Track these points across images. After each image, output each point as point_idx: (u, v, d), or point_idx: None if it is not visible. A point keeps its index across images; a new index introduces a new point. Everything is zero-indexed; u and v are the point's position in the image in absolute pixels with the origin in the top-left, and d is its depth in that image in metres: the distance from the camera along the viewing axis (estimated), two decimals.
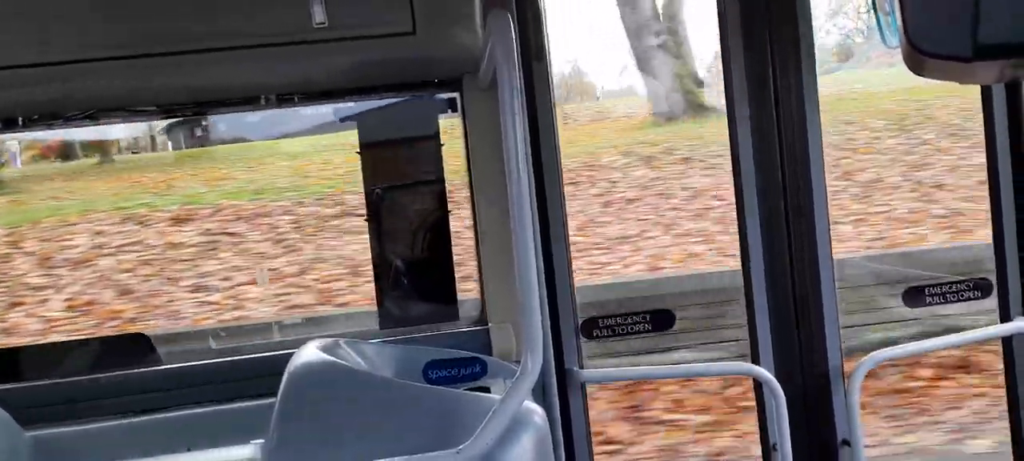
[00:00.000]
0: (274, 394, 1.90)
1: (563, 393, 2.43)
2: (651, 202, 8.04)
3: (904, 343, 2.76)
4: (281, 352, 2.23)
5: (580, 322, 2.54)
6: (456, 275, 2.61)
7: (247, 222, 7.68)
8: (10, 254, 7.40)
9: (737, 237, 2.59)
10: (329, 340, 2.10)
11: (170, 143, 9.22)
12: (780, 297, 2.57)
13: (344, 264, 6.88)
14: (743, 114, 2.51)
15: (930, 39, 0.80)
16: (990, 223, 2.69)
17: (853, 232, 7.10)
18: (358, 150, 2.58)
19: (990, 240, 2.68)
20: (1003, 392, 2.74)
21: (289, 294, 6.57)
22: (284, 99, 2.33)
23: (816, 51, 2.49)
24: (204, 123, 8.11)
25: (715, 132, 9.32)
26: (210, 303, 6.50)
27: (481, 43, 1.98)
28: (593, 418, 2.65)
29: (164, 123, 8.19)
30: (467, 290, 2.63)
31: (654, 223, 7.69)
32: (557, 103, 2.53)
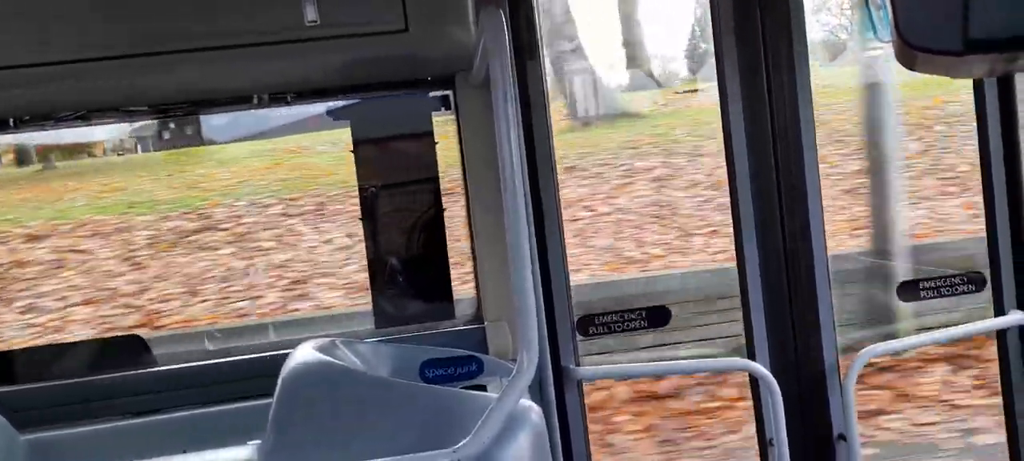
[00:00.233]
0: (270, 395, 1.90)
1: (560, 390, 2.44)
2: None
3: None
4: (277, 352, 2.23)
5: (576, 319, 2.55)
6: (452, 273, 2.62)
7: (103, 238, 7.59)
8: None
9: (731, 234, 2.60)
10: (325, 340, 2.09)
11: (139, 146, 9.18)
12: (775, 292, 2.58)
13: (185, 283, 6.83)
14: (736, 108, 2.51)
15: (921, 34, 0.80)
16: (983, 217, 2.70)
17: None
18: (351, 148, 2.58)
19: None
20: None
21: (115, 316, 6.46)
22: (277, 98, 2.33)
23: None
24: (171, 125, 8.08)
25: (622, 137, 9.13)
26: (35, 325, 6.41)
27: (474, 40, 1.98)
28: None
29: (137, 125, 8.14)
30: (463, 288, 2.63)
31: None
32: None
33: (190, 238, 7.52)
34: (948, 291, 2.67)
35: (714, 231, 7.22)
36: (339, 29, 1.92)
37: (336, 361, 1.97)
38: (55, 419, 2.23)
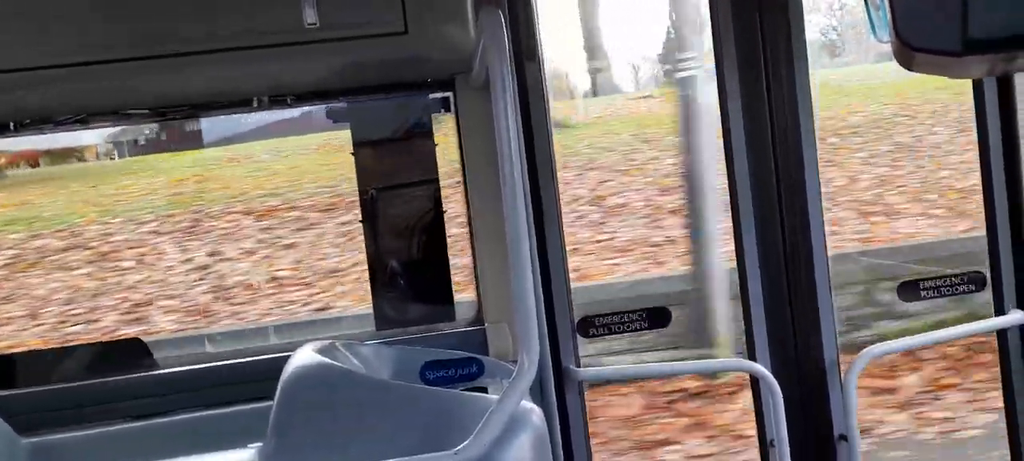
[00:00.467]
0: (271, 397, 1.89)
1: (561, 392, 2.43)
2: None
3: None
4: (277, 355, 2.23)
5: (576, 321, 2.55)
6: (452, 275, 2.62)
7: None
8: None
9: (731, 233, 2.60)
10: (325, 342, 2.09)
11: (115, 152, 9.14)
12: (775, 292, 2.58)
13: (28, 306, 6.72)
14: (735, 107, 2.52)
15: (920, 34, 0.80)
16: (983, 217, 2.70)
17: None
18: (351, 150, 2.58)
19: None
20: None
21: None
22: (276, 100, 2.33)
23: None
24: (146, 132, 8.06)
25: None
26: None
27: (473, 42, 1.98)
28: None
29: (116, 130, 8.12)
30: (464, 290, 2.63)
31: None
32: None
33: (54, 257, 7.40)
34: (948, 291, 2.67)
35: (576, 249, 7.07)
36: (338, 31, 1.92)
37: (336, 363, 1.97)
38: (56, 423, 2.23)
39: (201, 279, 7.05)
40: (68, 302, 6.80)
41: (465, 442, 1.67)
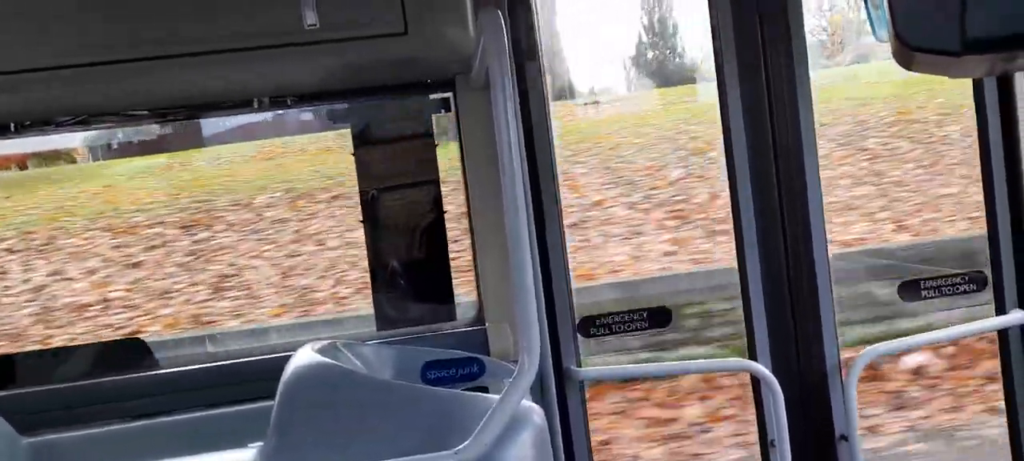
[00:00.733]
0: (272, 397, 1.89)
1: (561, 392, 2.43)
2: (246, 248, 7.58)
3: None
4: (278, 355, 2.23)
5: (577, 320, 2.55)
6: (453, 275, 2.62)
7: None
8: None
9: (732, 233, 2.60)
10: (326, 342, 2.09)
11: (90, 155, 9.07)
12: (776, 292, 2.58)
13: None
14: (736, 110, 2.52)
15: (918, 33, 0.80)
16: (984, 217, 2.70)
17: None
18: (352, 151, 2.58)
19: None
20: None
21: None
22: (277, 101, 2.33)
23: None
24: (119, 135, 8.00)
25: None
26: None
27: (473, 42, 1.98)
28: None
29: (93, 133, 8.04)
30: (465, 289, 2.63)
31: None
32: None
33: None
34: (949, 291, 2.67)
35: None
36: (338, 32, 1.92)
37: (337, 363, 1.97)
38: (57, 422, 2.23)
39: (31, 300, 6.85)
40: None
41: (466, 442, 1.67)
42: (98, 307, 6.81)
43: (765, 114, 2.53)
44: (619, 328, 2.57)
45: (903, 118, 8.87)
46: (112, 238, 7.81)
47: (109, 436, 2.19)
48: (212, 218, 7.94)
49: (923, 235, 6.99)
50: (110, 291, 7.03)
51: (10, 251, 7.75)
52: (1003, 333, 2.71)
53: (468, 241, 2.46)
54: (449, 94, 2.42)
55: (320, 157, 8.72)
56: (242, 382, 2.31)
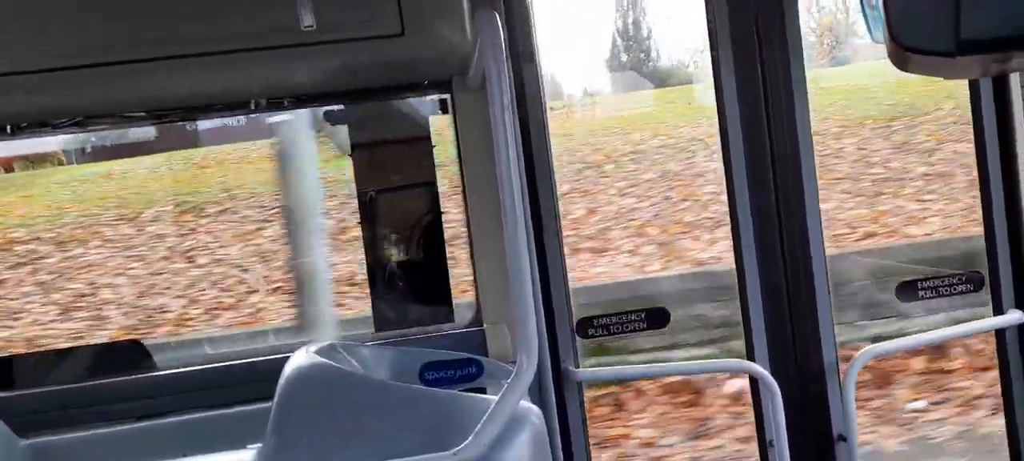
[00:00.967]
0: (270, 398, 1.90)
1: (560, 392, 2.44)
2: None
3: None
4: (277, 356, 2.23)
5: (575, 321, 2.55)
6: (451, 276, 2.62)
7: None
8: None
9: (730, 234, 2.60)
10: (324, 344, 2.09)
11: (64, 158, 8.96)
12: (774, 293, 2.58)
13: None
14: (733, 111, 2.52)
15: (913, 35, 0.80)
16: (981, 217, 2.70)
17: None
18: (349, 153, 2.58)
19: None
20: None
21: None
22: (274, 102, 2.33)
23: None
24: (93, 139, 7.92)
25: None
26: None
27: (470, 43, 1.98)
28: None
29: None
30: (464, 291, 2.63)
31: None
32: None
33: None
34: (946, 291, 2.67)
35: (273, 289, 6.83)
36: (335, 34, 1.92)
37: (336, 365, 1.98)
38: (55, 424, 2.23)
39: None
40: None
41: (464, 443, 1.67)
42: None
43: (762, 116, 2.53)
44: (617, 329, 2.57)
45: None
46: None
47: (107, 438, 2.19)
48: (90, 234, 7.72)
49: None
50: None
51: None
52: (1000, 333, 2.72)
53: (466, 242, 2.46)
54: (446, 95, 2.42)
55: (237, 167, 8.57)
56: (240, 383, 2.31)
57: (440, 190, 2.62)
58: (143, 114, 2.35)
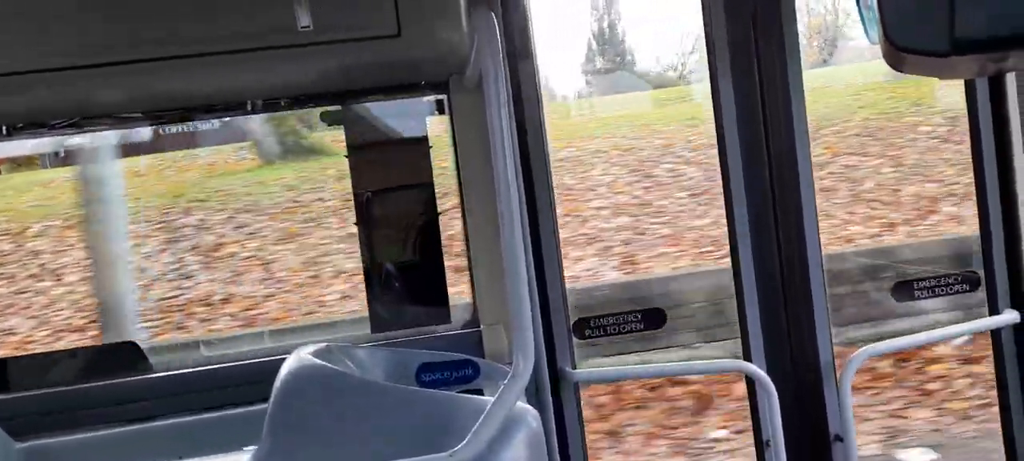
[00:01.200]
0: (266, 401, 1.89)
1: (556, 393, 2.43)
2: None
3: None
4: (272, 358, 2.23)
5: (572, 322, 2.55)
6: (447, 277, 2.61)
7: None
8: None
9: (726, 235, 2.60)
10: (320, 345, 2.09)
11: (39, 161, 8.86)
12: (770, 293, 2.58)
13: None
14: (730, 111, 2.52)
15: (908, 35, 0.80)
16: (977, 217, 2.71)
17: None
18: (346, 153, 2.58)
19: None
20: None
21: None
22: (271, 103, 2.33)
23: None
24: (66, 143, 7.84)
25: (288, 178, 8.31)
26: None
27: (467, 44, 1.98)
28: None
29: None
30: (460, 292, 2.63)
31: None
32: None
33: None
34: (943, 291, 2.67)
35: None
36: (332, 34, 1.92)
37: (331, 366, 1.97)
38: (51, 427, 2.22)
39: None
40: None
41: (461, 444, 1.67)
42: None
43: (758, 115, 2.54)
44: (614, 329, 2.57)
45: None
46: None
47: (103, 441, 2.19)
48: None
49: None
50: None
51: None
52: (996, 333, 2.72)
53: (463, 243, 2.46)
54: (443, 95, 2.42)
55: (146, 178, 8.46)
56: (236, 386, 2.30)
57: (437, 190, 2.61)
58: (141, 114, 2.35)
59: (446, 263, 2.58)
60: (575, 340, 2.56)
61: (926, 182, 7.51)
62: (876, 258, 6.24)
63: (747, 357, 2.57)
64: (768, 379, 2.42)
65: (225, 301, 6.67)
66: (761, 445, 2.55)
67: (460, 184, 2.40)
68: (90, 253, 6.30)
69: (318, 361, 1.95)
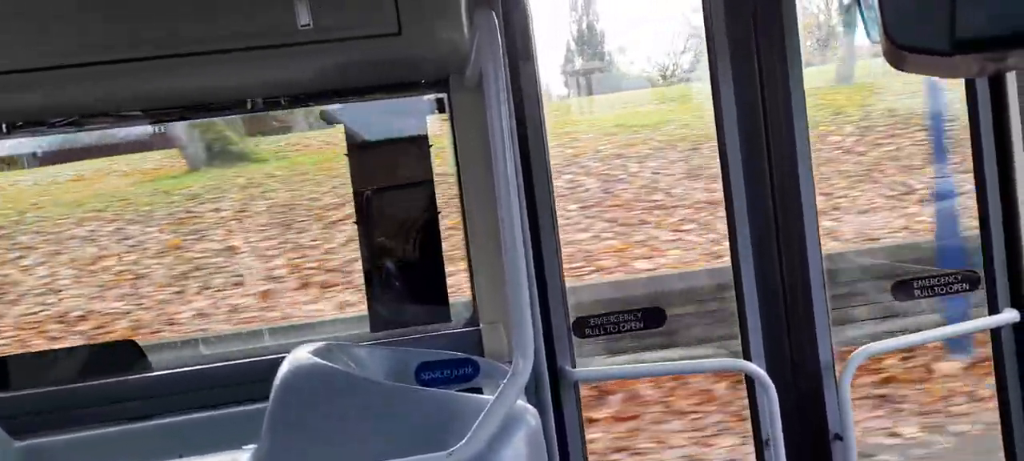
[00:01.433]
0: (265, 399, 1.89)
1: (556, 392, 2.44)
2: None
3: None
4: (272, 357, 2.23)
5: (572, 321, 2.55)
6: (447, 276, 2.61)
7: None
8: None
9: (726, 234, 2.60)
10: (320, 344, 2.09)
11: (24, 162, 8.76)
12: (770, 292, 2.58)
13: None
14: (730, 109, 2.52)
15: (909, 33, 0.80)
16: (977, 217, 2.71)
17: None
18: (346, 152, 2.58)
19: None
20: None
21: None
22: (271, 102, 2.33)
23: None
24: (44, 144, 7.74)
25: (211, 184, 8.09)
26: None
27: (467, 43, 1.98)
28: None
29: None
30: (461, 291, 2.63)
31: None
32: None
33: None
34: (942, 290, 2.68)
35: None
36: (332, 33, 1.92)
37: (331, 365, 1.97)
38: (49, 425, 2.22)
39: None
40: None
41: (460, 442, 1.67)
42: None
43: (759, 114, 2.54)
44: (613, 328, 2.57)
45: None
46: None
47: (102, 439, 2.19)
48: None
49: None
50: None
51: None
52: (996, 332, 2.72)
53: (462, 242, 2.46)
54: (443, 94, 2.42)
55: (65, 186, 8.31)
56: (236, 384, 2.30)
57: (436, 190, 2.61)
58: (141, 113, 2.35)
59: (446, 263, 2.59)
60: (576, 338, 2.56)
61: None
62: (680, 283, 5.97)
63: (747, 356, 2.57)
64: (768, 378, 2.42)
65: (82, 318, 6.45)
66: (761, 445, 2.55)
67: (460, 182, 2.40)
68: None
69: (318, 360, 1.95)
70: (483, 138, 1.88)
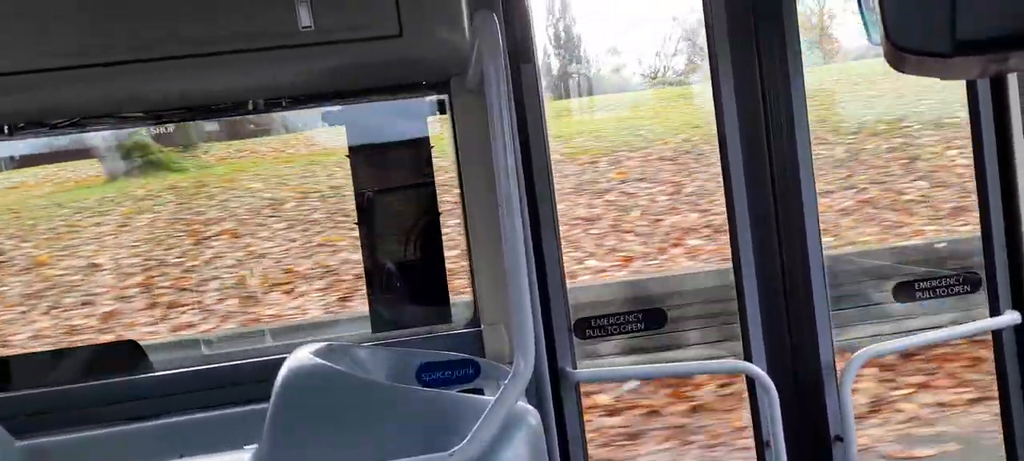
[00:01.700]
0: (266, 399, 1.89)
1: (557, 393, 2.44)
2: None
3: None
4: (273, 357, 2.23)
5: (573, 322, 2.55)
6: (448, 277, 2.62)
7: None
8: None
9: (727, 235, 2.60)
10: (321, 344, 2.09)
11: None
12: (771, 293, 2.58)
13: None
14: (731, 110, 2.52)
15: (910, 36, 0.80)
16: (978, 218, 2.71)
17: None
18: (347, 153, 2.58)
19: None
20: None
21: None
22: (272, 104, 2.33)
23: None
24: (21, 146, 7.68)
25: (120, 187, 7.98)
26: None
27: (468, 44, 1.98)
28: None
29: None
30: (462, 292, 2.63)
31: None
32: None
33: None
34: (944, 292, 2.68)
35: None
36: (333, 34, 1.92)
37: (332, 365, 1.97)
38: (51, 425, 2.22)
39: None
40: None
41: (461, 443, 1.67)
42: None
43: (760, 115, 2.54)
44: (614, 329, 2.57)
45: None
46: None
47: (103, 439, 2.19)
48: None
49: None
50: None
51: None
52: (997, 334, 2.72)
53: (464, 243, 2.46)
54: (444, 96, 2.42)
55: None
56: (237, 385, 2.30)
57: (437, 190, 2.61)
58: (142, 114, 2.35)
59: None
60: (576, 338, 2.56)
61: (692, 212, 7.10)
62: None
63: (747, 357, 2.57)
64: (768, 379, 2.42)
65: None
66: (761, 445, 2.55)
67: (461, 184, 2.40)
68: None
69: (319, 360, 1.95)
70: (484, 139, 1.88)
